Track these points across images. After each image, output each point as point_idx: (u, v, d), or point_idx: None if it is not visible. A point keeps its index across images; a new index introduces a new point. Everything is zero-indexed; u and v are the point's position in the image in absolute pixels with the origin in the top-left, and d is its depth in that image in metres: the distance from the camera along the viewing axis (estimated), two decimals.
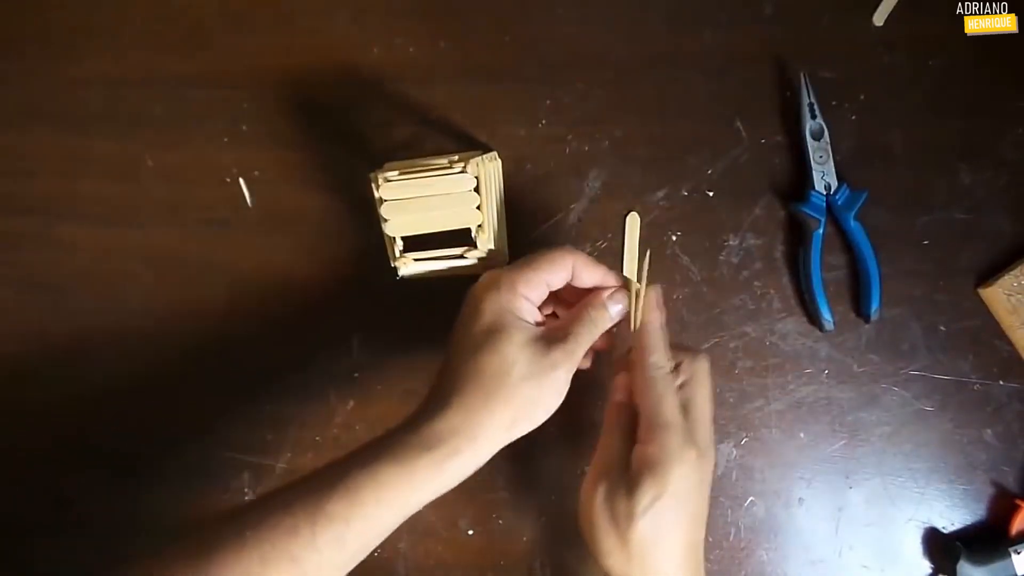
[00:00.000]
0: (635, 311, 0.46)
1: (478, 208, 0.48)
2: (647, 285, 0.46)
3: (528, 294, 0.44)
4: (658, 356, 0.45)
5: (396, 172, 0.48)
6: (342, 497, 0.40)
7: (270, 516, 0.39)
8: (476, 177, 0.48)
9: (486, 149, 0.54)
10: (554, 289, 0.46)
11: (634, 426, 0.45)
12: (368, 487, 0.40)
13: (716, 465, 0.46)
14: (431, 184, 0.47)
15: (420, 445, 0.41)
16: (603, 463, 0.45)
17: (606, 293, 0.46)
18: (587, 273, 0.46)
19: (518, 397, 0.42)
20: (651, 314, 0.47)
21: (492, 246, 0.52)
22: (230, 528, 0.39)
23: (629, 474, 0.43)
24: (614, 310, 0.46)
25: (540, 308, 0.46)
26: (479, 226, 0.49)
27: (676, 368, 0.46)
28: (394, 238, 0.50)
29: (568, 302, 0.48)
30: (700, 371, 0.46)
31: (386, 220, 0.48)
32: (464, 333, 0.44)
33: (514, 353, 0.42)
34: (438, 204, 0.48)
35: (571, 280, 0.46)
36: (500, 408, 0.42)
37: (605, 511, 0.43)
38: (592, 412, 0.54)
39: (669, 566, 0.42)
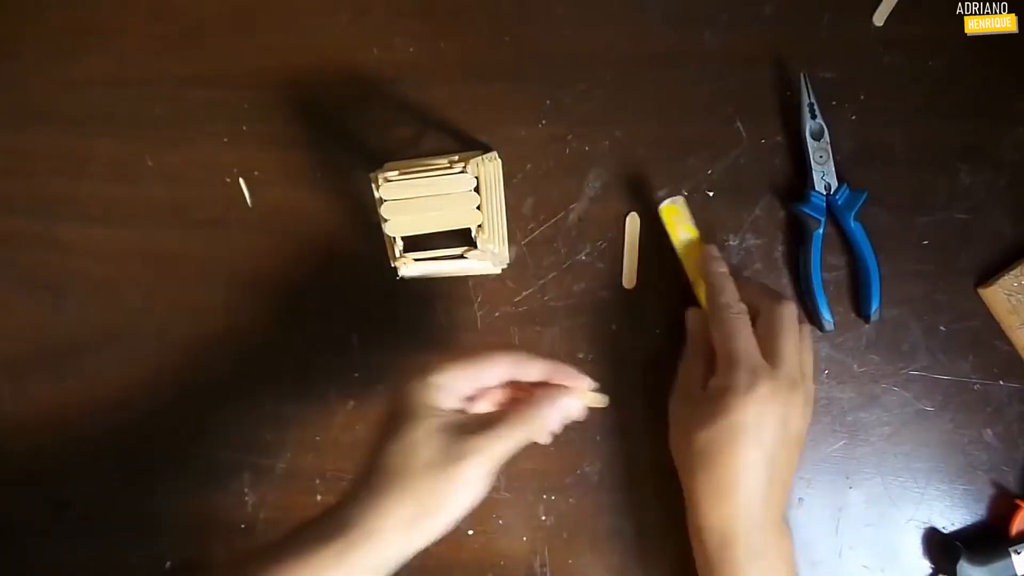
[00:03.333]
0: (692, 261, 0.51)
1: (478, 208, 0.48)
2: (701, 241, 0.50)
3: (445, 384, 0.42)
4: (727, 296, 0.47)
5: (396, 172, 0.48)
6: None
7: None
8: (476, 177, 0.48)
9: (486, 149, 0.54)
10: (487, 386, 0.44)
11: (711, 356, 0.47)
12: None
13: (810, 411, 0.47)
14: (431, 184, 0.47)
15: (322, 536, 0.39)
16: (684, 383, 0.49)
17: (557, 396, 0.44)
18: (529, 371, 0.44)
19: (420, 488, 0.40)
20: (711, 264, 0.49)
21: (492, 246, 0.52)
22: None
23: (700, 395, 0.46)
24: (559, 415, 0.44)
25: (489, 397, 0.44)
26: (479, 226, 0.49)
27: (754, 312, 0.47)
28: (394, 238, 0.50)
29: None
30: (780, 316, 0.46)
31: (386, 220, 0.48)
32: (381, 420, 0.43)
33: (418, 440, 0.40)
34: (438, 204, 0.48)
35: (513, 378, 0.44)
36: (400, 496, 0.39)
37: (676, 422, 0.48)
38: (592, 414, 0.54)
39: (728, 488, 0.44)
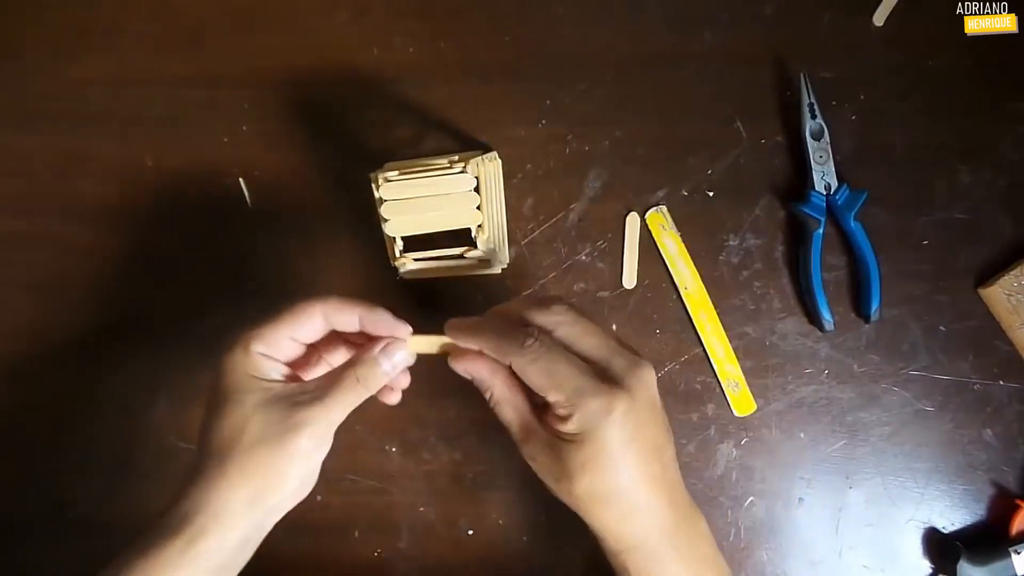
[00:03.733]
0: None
1: (478, 208, 0.48)
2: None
3: (266, 351, 0.40)
4: (510, 339, 0.39)
5: (396, 172, 0.48)
6: None
7: None
8: (476, 177, 0.48)
9: (486, 149, 0.54)
10: (307, 342, 0.42)
11: (523, 388, 0.41)
12: None
13: (654, 371, 0.40)
14: (431, 184, 0.47)
15: (165, 530, 0.38)
16: (522, 431, 0.41)
17: (379, 346, 0.41)
18: (345, 317, 0.41)
19: (253, 464, 0.38)
20: (464, 326, 0.42)
21: (492, 246, 0.52)
22: None
23: (552, 436, 0.39)
24: (387, 365, 0.41)
25: (319, 356, 0.43)
26: (479, 226, 0.49)
27: (537, 329, 0.40)
28: (394, 238, 0.50)
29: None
30: (561, 318, 0.40)
31: (386, 220, 0.48)
32: (206, 401, 0.40)
33: (246, 415, 0.38)
34: (438, 204, 0.48)
35: (334, 327, 0.42)
36: (236, 478, 0.38)
37: (544, 472, 0.40)
38: None
39: (632, 508, 0.39)
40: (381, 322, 0.42)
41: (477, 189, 0.48)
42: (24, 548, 0.57)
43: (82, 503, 0.57)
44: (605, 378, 0.39)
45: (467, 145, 0.56)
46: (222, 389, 0.40)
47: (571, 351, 0.39)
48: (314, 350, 0.45)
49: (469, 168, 0.47)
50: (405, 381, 0.45)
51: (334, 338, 0.45)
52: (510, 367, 0.40)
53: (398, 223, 0.48)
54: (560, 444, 0.39)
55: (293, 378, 0.42)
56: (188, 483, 0.39)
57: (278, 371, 0.41)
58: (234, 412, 0.39)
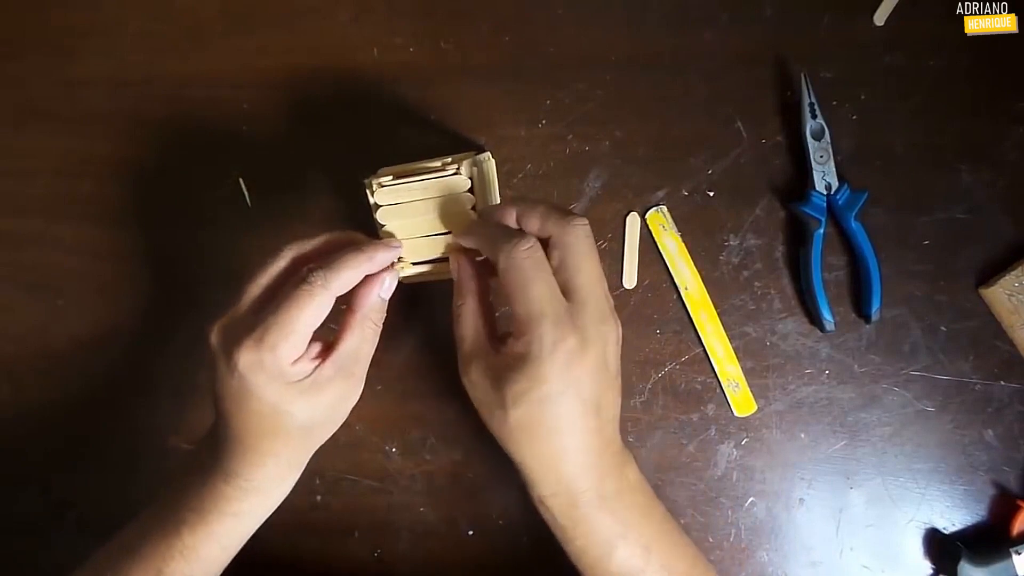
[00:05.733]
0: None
1: (473, 209, 0.48)
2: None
3: (290, 356, 0.41)
4: (512, 234, 0.40)
5: (390, 176, 0.48)
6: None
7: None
8: (470, 178, 0.48)
9: (480, 150, 0.54)
10: (317, 326, 0.42)
11: (487, 305, 0.43)
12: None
13: (620, 337, 0.41)
14: (426, 187, 0.47)
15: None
16: (469, 347, 0.42)
17: (376, 288, 0.44)
18: (345, 280, 0.42)
19: (301, 442, 0.44)
20: (488, 209, 0.44)
21: None
22: None
23: (498, 359, 0.40)
24: (387, 295, 0.45)
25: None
26: None
27: (546, 243, 0.40)
28: None
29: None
30: (575, 240, 0.40)
31: (382, 225, 0.48)
32: (235, 409, 0.41)
33: (291, 415, 0.42)
34: (433, 207, 0.47)
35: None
36: (284, 452, 0.43)
37: (478, 399, 0.41)
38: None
39: (562, 450, 0.40)
40: (378, 256, 0.43)
41: (472, 190, 0.48)
42: (24, 548, 0.57)
43: (82, 503, 0.57)
44: (571, 317, 0.39)
45: (467, 145, 0.56)
46: (268, 405, 0.41)
47: (557, 276, 0.40)
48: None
49: (463, 169, 0.47)
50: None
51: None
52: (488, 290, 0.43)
53: (394, 227, 0.48)
54: (502, 371, 0.40)
55: (317, 358, 0.43)
56: (228, 456, 0.43)
57: (309, 363, 0.43)
58: (293, 420, 0.42)
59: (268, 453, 0.42)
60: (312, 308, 0.41)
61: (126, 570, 0.42)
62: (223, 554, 0.44)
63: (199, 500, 0.43)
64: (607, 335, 0.40)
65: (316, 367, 0.43)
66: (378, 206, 0.48)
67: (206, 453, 0.44)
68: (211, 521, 0.43)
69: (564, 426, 0.39)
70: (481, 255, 0.45)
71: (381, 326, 0.45)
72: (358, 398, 0.45)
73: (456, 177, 0.47)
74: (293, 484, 0.45)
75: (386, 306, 0.45)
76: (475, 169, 0.48)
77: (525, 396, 0.39)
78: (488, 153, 0.53)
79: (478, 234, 0.43)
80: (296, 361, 0.42)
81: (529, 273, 0.39)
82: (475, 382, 0.41)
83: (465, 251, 0.45)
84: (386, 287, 0.45)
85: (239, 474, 0.43)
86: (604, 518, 0.41)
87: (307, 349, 0.42)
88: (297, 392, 0.41)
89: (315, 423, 0.43)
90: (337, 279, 0.41)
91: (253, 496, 0.43)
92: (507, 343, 0.40)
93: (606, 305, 0.41)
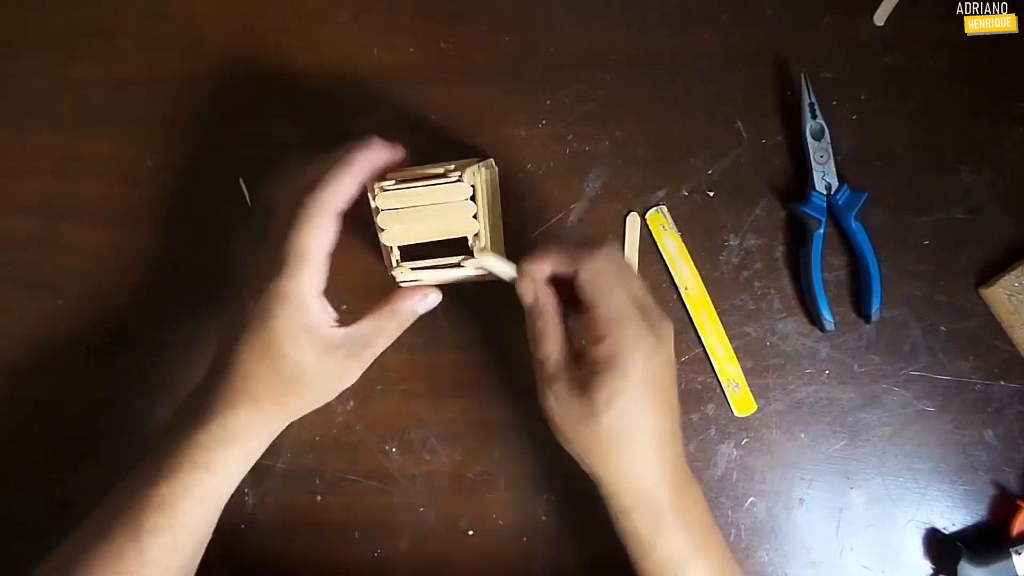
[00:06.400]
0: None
1: (475, 217, 0.48)
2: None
3: (311, 284, 0.44)
4: (583, 249, 0.43)
5: (392, 181, 0.47)
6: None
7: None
8: (472, 185, 0.47)
9: (483, 156, 0.54)
10: (327, 249, 0.45)
11: (563, 329, 0.44)
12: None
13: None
14: (427, 193, 0.47)
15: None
16: (550, 370, 0.43)
17: (416, 299, 0.48)
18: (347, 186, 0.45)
19: (301, 402, 0.46)
20: (544, 250, 0.45)
21: (488, 256, 0.51)
22: None
23: (581, 373, 0.42)
24: (422, 307, 0.48)
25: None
26: (475, 235, 0.49)
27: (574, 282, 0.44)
28: (391, 247, 0.50)
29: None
30: (609, 256, 0.43)
31: (383, 230, 0.48)
32: (255, 342, 0.43)
33: (301, 369, 0.44)
34: (434, 213, 0.47)
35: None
36: (275, 412, 0.45)
37: (565, 416, 0.42)
38: None
39: (646, 456, 0.42)
40: (355, 163, 0.45)
41: (473, 197, 0.48)
42: (24, 548, 0.57)
43: (82, 503, 0.56)
44: (647, 317, 0.42)
45: (467, 145, 0.55)
46: (274, 338, 0.43)
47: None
48: None
49: (465, 176, 0.47)
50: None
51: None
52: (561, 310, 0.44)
53: (395, 232, 0.48)
54: (589, 379, 0.41)
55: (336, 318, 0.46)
56: (225, 404, 0.44)
57: (330, 319, 0.45)
58: (287, 365, 0.43)
59: (248, 395, 0.43)
60: (313, 230, 0.43)
61: (111, 520, 0.43)
62: (199, 511, 0.44)
63: (176, 451, 0.43)
64: (668, 333, 0.43)
65: (332, 327, 0.45)
66: (379, 210, 0.47)
67: (188, 404, 0.46)
68: (184, 471, 0.43)
69: (649, 427, 0.41)
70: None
71: (401, 332, 0.48)
72: (349, 384, 0.46)
73: (458, 184, 0.47)
74: (262, 451, 0.46)
75: (415, 319, 0.48)
76: (477, 176, 0.48)
77: (617, 396, 0.40)
78: (491, 160, 0.53)
79: (554, 253, 0.45)
80: (319, 299, 0.44)
81: (613, 277, 0.42)
82: (562, 399, 0.42)
83: (544, 290, 0.46)
84: (427, 302, 0.48)
85: (215, 415, 0.43)
86: (683, 538, 0.42)
87: (330, 314, 0.45)
88: (306, 336, 0.43)
89: (304, 381, 0.44)
90: (325, 197, 0.44)
91: (224, 448, 0.44)
92: (588, 353, 0.42)
93: (657, 307, 0.44)
